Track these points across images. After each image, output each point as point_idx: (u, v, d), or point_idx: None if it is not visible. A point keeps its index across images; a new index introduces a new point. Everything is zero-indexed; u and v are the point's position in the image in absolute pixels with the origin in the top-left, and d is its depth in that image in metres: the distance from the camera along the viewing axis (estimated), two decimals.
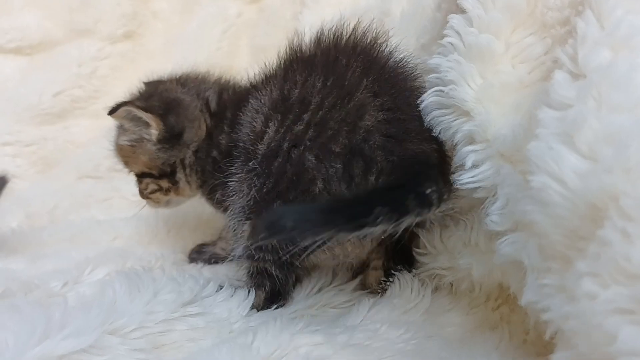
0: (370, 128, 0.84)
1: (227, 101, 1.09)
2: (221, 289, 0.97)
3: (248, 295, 0.96)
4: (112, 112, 1.06)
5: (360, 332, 0.85)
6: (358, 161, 0.82)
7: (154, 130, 1.07)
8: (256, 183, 0.87)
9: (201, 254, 1.25)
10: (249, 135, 0.91)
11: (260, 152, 0.88)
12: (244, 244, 0.92)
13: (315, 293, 1.00)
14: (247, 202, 0.88)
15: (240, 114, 0.96)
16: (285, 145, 0.85)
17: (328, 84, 0.87)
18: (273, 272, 0.93)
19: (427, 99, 0.87)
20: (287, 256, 0.85)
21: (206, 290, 0.96)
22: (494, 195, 0.78)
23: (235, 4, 1.93)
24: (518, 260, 0.71)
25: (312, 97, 0.86)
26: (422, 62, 1.13)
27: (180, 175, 1.11)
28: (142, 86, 1.16)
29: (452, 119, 0.84)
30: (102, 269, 1.13)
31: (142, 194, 1.15)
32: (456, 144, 0.84)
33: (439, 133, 0.86)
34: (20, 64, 1.88)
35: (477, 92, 0.81)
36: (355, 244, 0.91)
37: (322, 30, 0.95)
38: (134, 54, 1.94)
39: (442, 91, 0.85)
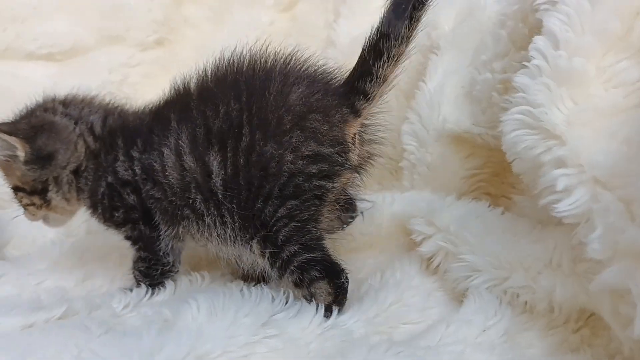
0: (296, 102, 0.94)
1: (117, 128, 1.14)
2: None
3: (317, 310, 0.95)
4: None
5: (446, 355, 0.84)
6: (312, 118, 0.94)
7: (20, 153, 1.10)
8: (232, 206, 0.96)
9: None
10: (185, 178, 1.00)
11: (218, 185, 0.96)
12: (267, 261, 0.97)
13: (384, 311, 1.00)
14: (235, 224, 0.97)
15: (138, 151, 1.07)
16: (242, 160, 0.94)
17: (243, 100, 0.96)
18: (309, 257, 0.95)
19: (511, 117, 0.87)
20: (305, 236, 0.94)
21: (276, 309, 0.96)
22: (586, 222, 0.78)
23: (268, 13, 1.92)
24: (619, 289, 0.71)
25: (238, 116, 0.95)
26: (484, 78, 1.14)
27: (52, 194, 1.15)
28: (23, 107, 1.19)
29: (539, 140, 0.84)
30: (161, 294, 1.12)
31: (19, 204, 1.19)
32: (541, 165, 0.84)
33: (522, 151, 0.86)
34: (51, 71, 1.84)
35: (568, 116, 0.81)
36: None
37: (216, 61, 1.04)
38: (165, 61, 1.92)
39: (530, 112, 0.84)
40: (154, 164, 1.04)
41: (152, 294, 1.11)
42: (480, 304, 0.95)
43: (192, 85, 1.04)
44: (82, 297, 1.08)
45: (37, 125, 1.13)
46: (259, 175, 0.94)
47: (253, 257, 1.01)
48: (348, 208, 1.10)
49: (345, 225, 1.11)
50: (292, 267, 0.96)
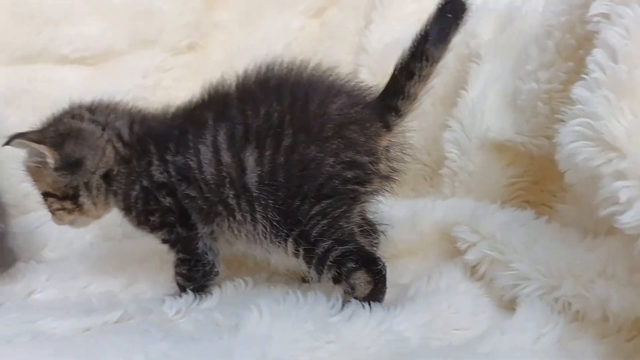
0: (337, 112, 1.02)
1: (146, 134, 1.16)
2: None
3: (370, 313, 0.96)
4: (6, 143, 1.13)
5: None
6: (351, 129, 1.01)
7: (50, 160, 1.12)
8: (268, 202, 1.01)
9: None
10: (215, 177, 1.05)
11: (252, 180, 1.02)
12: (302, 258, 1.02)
13: (437, 316, 1.01)
14: (267, 222, 1.02)
15: (171, 154, 1.10)
16: (282, 159, 1.00)
17: (285, 103, 1.03)
18: (343, 250, 1.00)
19: (569, 129, 0.88)
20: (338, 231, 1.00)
21: (331, 312, 0.97)
22: None
23: (299, 18, 1.93)
24: None
25: (279, 118, 1.02)
26: (529, 88, 1.16)
27: (83, 198, 1.17)
28: (50, 114, 1.21)
29: (598, 152, 0.85)
30: (209, 300, 1.14)
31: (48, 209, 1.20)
32: (601, 177, 0.85)
33: (580, 162, 0.88)
34: (84, 74, 1.86)
35: (628, 129, 0.83)
36: None
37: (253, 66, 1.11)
38: (197, 65, 1.92)
39: (589, 124, 0.86)
40: (190, 162, 1.08)
41: (201, 299, 1.13)
42: (533, 312, 0.96)
43: (232, 86, 1.09)
44: (133, 302, 1.09)
45: (65, 133, 1.15)
46: (299, 175, 1.00)
47: (285, 256, 1.06)
48: (370, 233, 1.15)
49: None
50: (328, 262, 1.00)
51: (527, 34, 1.25)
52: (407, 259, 1.27)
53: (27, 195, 1.49)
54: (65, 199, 1.17)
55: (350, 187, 1.02)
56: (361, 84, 1.10)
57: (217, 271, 1.19)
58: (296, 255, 1.03)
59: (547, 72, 1.14)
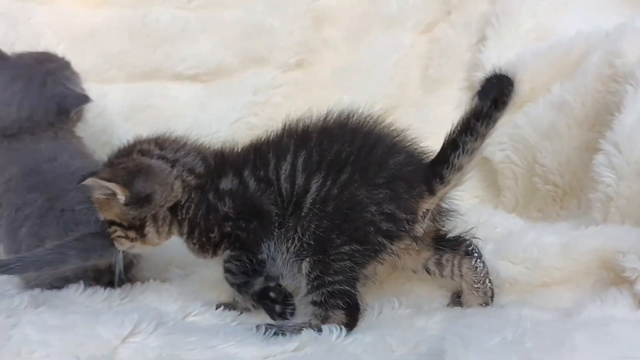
0: (393, 166, 1.11)
1: (222, 162, 1.23)
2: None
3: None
4: (80, 182, 1.17)
5: None
6: (399, 185, 1.09)
7: (121, 197, 1.15)
8: (311, 225, 1.09)
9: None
10: (289, 190, 1.13)
11: (308, 202, 1.11)
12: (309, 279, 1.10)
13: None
14: (297, 242, 1.11)
15: (249, 169, 1.17)
16: (335, 191, 1.09)
17: (355, 146, 1.13)
18: (343, 289, 1.09)
19: None
20: (351, 273, 1.09)
21: None
22: None
23: (409, 35, 1.93)
24: None
25: (345, 157, 1.12)
26: None
27: (149, 229, 1.20)
28: (118, 149, 1.25)
29: None
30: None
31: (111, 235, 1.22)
32: None
33: None
34: (198, 91, 1.89)
35: None
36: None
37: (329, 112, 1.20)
38: (306, 82, 1.94)
39: None
40: (270, 175, 1.15)
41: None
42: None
43: (314, 123, 1.19)
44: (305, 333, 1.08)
45: (135, 170, 1.17)
46: (344, 212, 1.09)
47: (295, 275, 1.15)
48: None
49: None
50: (325, 290, 1.09)
51: None
52: (562, 285, 1.23)
53: None
54: (130, 228, 1.19)
55: (380, 239, 1.09)
56: (422, 148, 1.18)
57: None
58: (307, 275, 1.11)
59: None
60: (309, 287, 1.11)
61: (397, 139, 1.18)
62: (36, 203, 1.34)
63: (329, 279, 1.09)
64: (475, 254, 1.19)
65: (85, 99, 1.46)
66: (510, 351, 0.84)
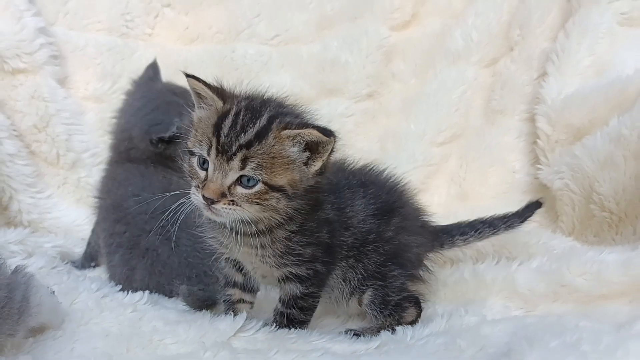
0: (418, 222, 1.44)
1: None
2: None
3: None
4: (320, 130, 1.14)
5: None
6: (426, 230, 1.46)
7: (319, 163, 1.13)
8: (368, 260, 1.31)
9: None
10: (360, 225, 1.31)
11: (369, 239, 1.32)
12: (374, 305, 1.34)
13: None
14: (357, 276, 1.31)
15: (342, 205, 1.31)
16: (390, 233, 1.34)
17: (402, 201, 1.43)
18: (404, 295, 1.36)
19: None
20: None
21: None
22: None
23: (473, 68, 2.08)
24: None
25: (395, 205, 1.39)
26: None
27: (295, 200, 1.13)
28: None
29: None
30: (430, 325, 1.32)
31: (233, 201, 1.09)
32: None
33: None
34: None
35: None
36: None
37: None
38: (375, 111, 2.13)
39: None
40: (348, 211, 1.31)
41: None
42: None
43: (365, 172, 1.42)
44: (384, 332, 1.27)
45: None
46: (392, 251, 1.34)
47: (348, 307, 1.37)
48: None
49: None
50: (391, 306, 1.33)
51: None
52: (618, 299, 1.34)
53: None
54: (292, 199, 1.12)
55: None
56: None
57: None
58: (370, 302, 1.33)
59: None
60: (376, 311, 1.32)
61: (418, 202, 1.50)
62: (124, 234, 1.47)
63: (392, 297, 1.32)
64: None
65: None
66: (568, 352, 0.97)
